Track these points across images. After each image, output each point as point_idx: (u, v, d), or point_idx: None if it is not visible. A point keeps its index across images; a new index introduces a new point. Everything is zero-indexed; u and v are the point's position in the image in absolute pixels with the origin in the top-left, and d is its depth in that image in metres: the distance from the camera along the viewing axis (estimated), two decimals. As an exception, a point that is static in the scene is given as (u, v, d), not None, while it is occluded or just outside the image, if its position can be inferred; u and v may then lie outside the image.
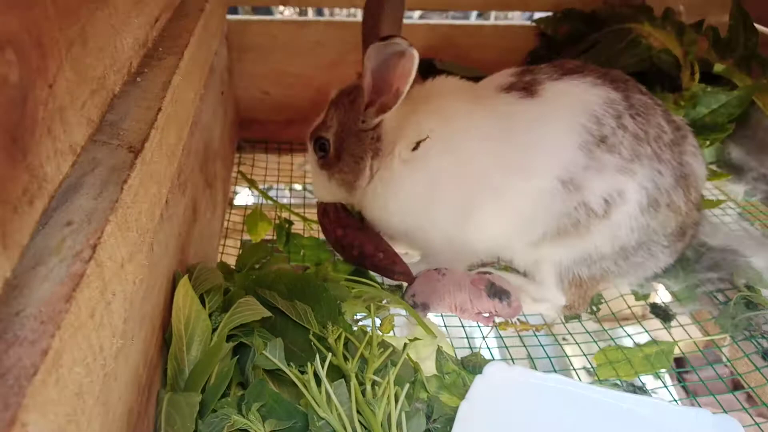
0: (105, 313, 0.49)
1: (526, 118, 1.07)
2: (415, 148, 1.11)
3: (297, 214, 1.46)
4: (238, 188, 1.67)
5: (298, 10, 3.08)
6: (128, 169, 0.58)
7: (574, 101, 1.06)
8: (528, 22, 1.72)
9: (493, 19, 2.88)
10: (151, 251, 0.69)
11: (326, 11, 2.81)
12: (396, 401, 0.81)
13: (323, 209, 1.28)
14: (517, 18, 2.59)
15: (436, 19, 1.96)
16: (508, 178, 1.08)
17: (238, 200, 1.71)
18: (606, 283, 1.17)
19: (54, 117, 0.47)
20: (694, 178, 1.10)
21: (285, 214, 1.45)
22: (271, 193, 1.59)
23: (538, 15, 1.71)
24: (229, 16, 1.57)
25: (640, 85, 1.13)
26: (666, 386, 1.11)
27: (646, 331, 1.19)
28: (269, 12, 2.91)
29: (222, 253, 1.32)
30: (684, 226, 1.12)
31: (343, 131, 1.15)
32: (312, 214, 1.48)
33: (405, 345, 0.95)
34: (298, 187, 1.73)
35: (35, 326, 0.39)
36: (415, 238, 1.23)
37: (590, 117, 1.04)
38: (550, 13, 1.67)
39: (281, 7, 3.01)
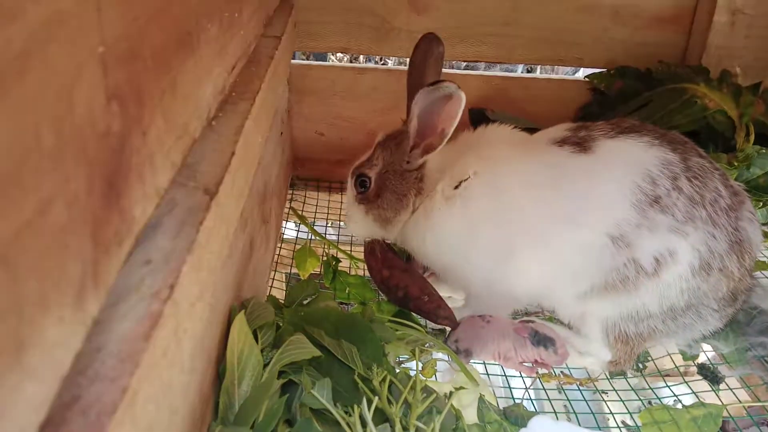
0: (176, 351, 0.51)
1: (577, 172, 1.09)
2: (456, 187, 1.14)
3: (344, 252, 1.49)
4: (288, 224, 1.72)
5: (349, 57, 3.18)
6: (204, 211, 0.61)
7: (630, 159, 1.07)
8: (579, 78, 1.74)
9: (539, 72, 2.91)
10: (217, 289, 0.72)
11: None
12: (439, 450, 0.81)
13: (370, 248, 1.31)
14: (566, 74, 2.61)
15: (488, 71, 2.00)
16: (552, 228, 1.09)
17: (288, 234, 1.75)
18: (653, 341, 1.15)
19: (144, 162, 0.50)
20: (749, 244, 1.08)
21: (332, 251, 1.48)
22: (320, 231, 1.63)
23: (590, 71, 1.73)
24: (293, 61, 1.64)
25: (699, 148, 1.13)
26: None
27: (693, 392, 1.16)
28: (323, 58, 3.01)
29: (271, 287, 1.36)
30: (736, 291, 1.11)
31: (387, 171, 1.21)
32: (358, 252, 1.51)
33: (451, 393, 0.95)
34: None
35: (115, 364, 0.42)
36: (455, 277, 1.26)
37: (645, 176, 1.05)
38: (603, 70, 1.69)
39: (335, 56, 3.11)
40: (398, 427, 0.83)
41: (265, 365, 0.86)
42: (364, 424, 0.82)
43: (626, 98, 1.64)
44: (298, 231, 1.60)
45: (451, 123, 1.09)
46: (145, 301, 0.48)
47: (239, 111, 0.85)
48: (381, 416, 0.88)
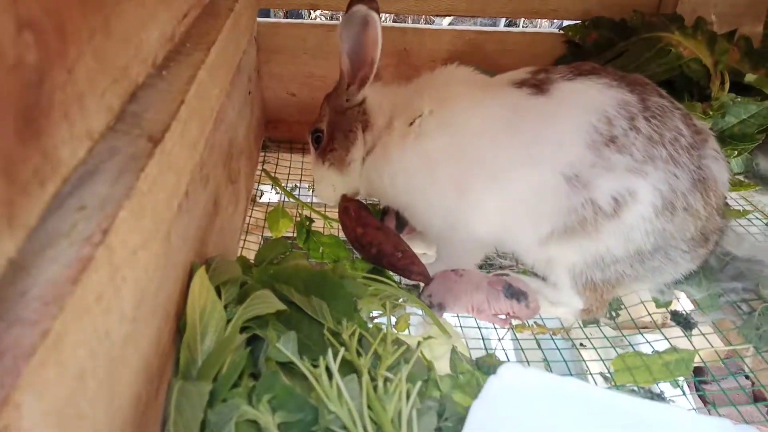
0: (114, 299, 0.50)
1: (533, 112, 1.08)
2: (411, 123, 1.14)
3: (318, 212, 1.47)
4: (264, 187, 1.69)
5: (329, 14, 3.11)
6: (146, 158, 0.59)
7: (585, 100, 1.06)
8: (555, 30, 1.71)
9: (522, 27, 2.87)
10: (168, 241, 0.71)
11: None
12: (407, 398, 0.81)
13: (344, 208, 1.30)
14: (544, 27, 2.58)
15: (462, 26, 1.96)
16: (507, 165, 1.09)
17: (264, 199, 1.73)
18: (623, 287, 1.15)
19: (72, 102, 0.48)
20: (713, 183, 1.07)
21: (306, 212, 1.46)
22: (294, 192, 1.60)
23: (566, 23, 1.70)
24: (260, 19, 1.59)
25: (660, 89, 1.12)
26: (685, 394, 1.09)
27: (666, 339, 1.17)
28: (300, 16, 2.95)
29: (242, 248, 1.34)
30: (705, 231, 1.10)
31: (333, 116, 1.23)
32: (332, 212, 1.49)
33: (419, 343, 0.95)
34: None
35: (38, 307, 0.40)
36: (417, 217, 1.26)
37: (600, 117, 1.04)
38: (578, 22, 1.66)
39: (312, 13, 3.05)
40: (365, 377, 0.82)
41: (229, 321, 0.84)
42: (330, 376, 0.81)
43: (601, 49, 1.62)
44: (280, 195, 1.58)
45: (375, 48, 1.10)
46: (75, 246, 0.46)
47: (192, 62, 0.82)
48: (351, 369, 0.88)
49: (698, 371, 1.19)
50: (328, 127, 1.24)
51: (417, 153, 1.14)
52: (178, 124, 0.68)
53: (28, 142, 0.41)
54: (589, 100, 1.05)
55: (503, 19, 2.97)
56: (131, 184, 0.54)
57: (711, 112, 1.43)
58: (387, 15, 2.13)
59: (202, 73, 0.81)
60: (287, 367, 0.85)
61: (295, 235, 1.39)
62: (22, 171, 0.41)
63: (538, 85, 1.10)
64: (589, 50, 1.62)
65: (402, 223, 1.39)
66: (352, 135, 1.21)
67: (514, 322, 1.17)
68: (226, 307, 0.86)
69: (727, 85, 1.48)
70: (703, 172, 1.05)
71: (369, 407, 0.79)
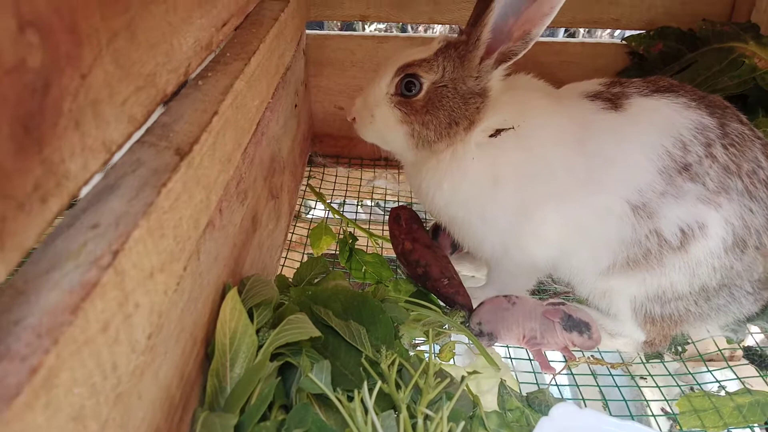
0: (122, 327, 0.45)
1: (605, 130, 0.99)
2: (493, 135, 1.04)
3: (362, 229, 1.42)
4: (312, 203, 1.66)
5: (384, 26, 3.08)
6: (171, 172, 0.54)
7: (661, 121, 0.97)
8: (617, 41, 1.62)
9: (581, 37, 2.77)
10: (197, 261, 0.66)
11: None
12: (449, 439, 0.74)
13: (395, 215, 1.25)
14: (605, 38, 2.47)
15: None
16: (572, 189, 1.01)
17: (314, 214, 1.69)
18: (686, 324, 1.05)
19: (85, 110, 0.44)
20: None
21: (350, 229, 1.41)
22: (339, 209, 1.56)
23: (629, 33, 1.60)
24: (309, 31, 1.56)
25: (741, 114, 1.02)
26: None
27: (738, 378, 1.06)
28: (352, 29, 2.93)
29: (283, 266, 1.29)
30: None
31: (448, 86, 1.03)
32: (377, 230, 1.44)
33: (463, 378, 0.87)
34: (366, 203, 1.70)
35: (30, 339, 0.35)
36: (464, 234, 1.15)
37: (676, 141, 0.95)
38: (642, 32, 1.56)
39: (367, 27, 3.02)
40: (404, 414, 0.76)
41: (261, 347, 0.79)
42: (366, 411, 0.75)
43: (667, 61, 1.51)
44: (326, 212, 1.53)
45: (541, 22, 0.94)
46: (81, 269, 0.42)
47: (230, 71, 0.79)
48: (388, 402, 0.81)
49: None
50: (432, 90, 1.03)
51: (489, 167, 1.04)
52: (209, 136, 0.63)
53: (26, 153, 0.37)
54: (665, 121, 0.97)
55: (562, 31, 2.87)
56: (150, 200, 0.50)
57: (788, 129, 1.32)
58: (435, 25, 2.07)
59: (239, 83, 0.77)
60: (321, 398, 0.79)
61: (337, 252, 1.34)
62: (18, 185, 0.36)
63: (612, 99, 1.02)
64: (654, 62, 1.52)
65: (456, 244, 1.31)
66: (454, 128, 1.04)
67: (576, 353, 1.08)
68: (258, 331, 0.81)
69: (807, 99, 1.36)
70: None
71: (407, 448, 0.72)
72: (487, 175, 1.05)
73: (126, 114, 0.51)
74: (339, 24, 2.95)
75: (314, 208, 1.68)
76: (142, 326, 0.48)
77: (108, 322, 0.42)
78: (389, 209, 1.33)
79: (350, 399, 0.77)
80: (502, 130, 1.04)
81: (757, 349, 1.12)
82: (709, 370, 1.13)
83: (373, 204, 1.76)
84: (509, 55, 1.00)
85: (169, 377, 0.60)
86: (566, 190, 1.01)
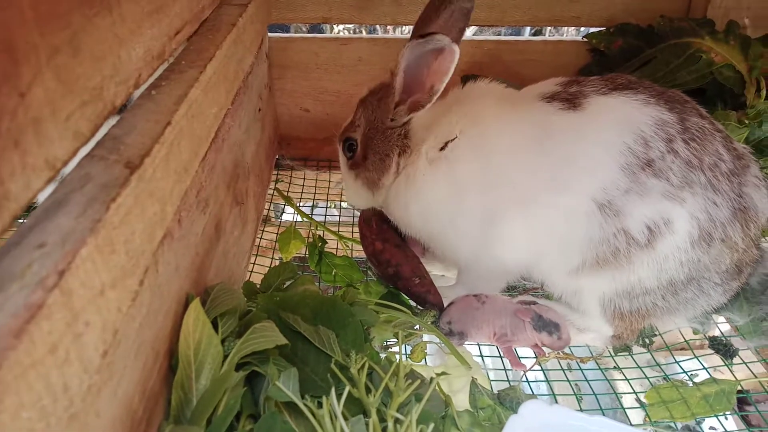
0: (72, 348, 0.44)
1: (564, 131, 0.99)
2: (442, 148, 1.07)
3: (332, 232, 1.42)
4: (282, 207, 1.65)
5: (352, 28, 3.07)
6: (119, 187, 0.53)
7: (621, 119, 0.98)
8: (580, 38, 1.64)
9: (548, 35, 2.79)
10: (155, 273, 0.65)
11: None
12: (419, 441, 0.74)
13: (366, 217, 1.25)
14: (571, 35, 2.50)
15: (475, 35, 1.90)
16: (536, 192, 1.01)
17: (284, 218, 1.68)
18: (654, 318, 1.07)
19: (25, 129, 0.43)
20: (754, 212, 0.99)
21: (319, 232, 1.40)
22: (308, 212, 1.55)
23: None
24: (271, 34, 1.55)
25: (700, 108, 1.04)
26: (725, 430, 1.00)
27: (705, 368, 1.08)
28: (320, 31, 2.92)
29: (252, 271, 1.29)
30: (740, 263, 1.02)
31: (371, 130, 1.14)
32: (347, 232, 1.44)
33: (431, 379, 0.88)
34: (335, 204, 1.69)
35: (-29, 366, 0.35)
36: (441, 246, 1.18)
37: (637, 138, 0.96)
38: (602, 29, 1.58)
39: (335, 27, 3.01)
40: (374, 418, 0.76)
41: (227, 356, 0.78)
42: (336, 416, 0.74)
43: (628, 57, 1.54)
44: (294, 215, 1.52)
45: (441, 79, 1.00)
46: (25, 291, 0.41)
47: (185, 79, 0.78)
48: (359, 406, 0.81)
49: (741, 399, 1.09)
50: (363, 141, 1.16)
51: (447, 181, 1.07)
52: (161, 148, 0.63)
53: (-41, 176, 0.36)
54: (625, 118, 0.98)
55: (528, 30, 2.89)
56: (99, 216, 0.49)
57: (747, 121, 1.35)
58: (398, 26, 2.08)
59: (195, 92, 0.76)
60: (291, 406, 0.79)
61: (307, 256, 1.33)
62: (-49, 209, 0.35)
63: (570, 99, 1.02)
64: (614, 58, 1.55)
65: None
66: (388, 160, 1.13)
67: (547, 352, 1.09)
68: (224, 341, 0.80)
69: (764, 92, 1.39)
70: (744, 201, 0.97)
71: (376, 452, 0.73)
72: (449, 188, 1.07)
73: (71, 130, 0.50)
74: (306, 27, 2.94)
75: (283, 212, 1.67)
76: (94, 344, 0.48)
77: (56, 343, 0.42)
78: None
79: (320, 405, 0.77)
80: (449, 141, 1.06)
81: (722, 338, 1.15)
82: (676, 361, 1.15)
83: (344, 205, 1.75)
84: (419, 106, 1.06)
85: (130, 393, 0.59)
86: (530, 194, 1.02)
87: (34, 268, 0.43)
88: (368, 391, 0.83)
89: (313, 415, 0.75)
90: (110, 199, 0.51)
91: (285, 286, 1.10)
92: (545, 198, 1.01)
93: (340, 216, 1.59)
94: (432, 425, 0.76)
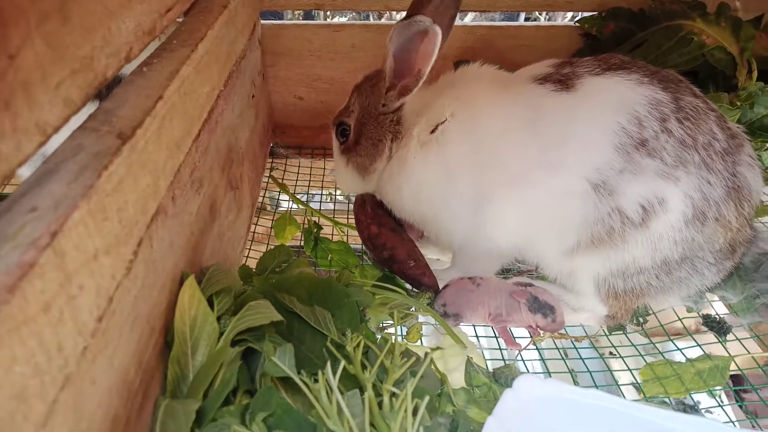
0: (66, 308, 0.44)
1: (557, 112, 1.00)
2: (433, 131, 1.08)
3: (327, 218, 1.42)
4: (278, 198, 1.65)
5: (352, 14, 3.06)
6: (112, 156, 0.54)
7: (614, 99, 0.98)
8: (572, 23, 1.64)
9: (543, 21, 2.79)
10: (149, 247, 0.65)
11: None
12: (414, 414, 0.74)
13: (361, 201, 1.26)
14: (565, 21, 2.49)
15: (474, 20, 1.90)
16: (529, 173, 1.01)
17: (279, 205, 1.69)
18: (648, 297, 1.07)
19: (15, 91, 0.43)
20: (748, 192, 0.99)
21: (314, 218, 1.40)
22: (303, 199, 1.55)
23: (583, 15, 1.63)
24: (264, 21, 1.55)
25: (694, 87, 1.04)
26: (721, 405, 1.00)
27: (699, 345, 1.08)
28: (312, 18, 2.91)
29: (248, 257, 1.29)
30: (734, 243, 1.02)
31: (364, 116, 1.16)
32: (342, 218, 1.44)
33: (426, 354, 0.88)
34: (332, 192, 1.70)
35: (-35, 318, 0.35)
36: (435, 229, 1.18)
37: (630, 117, 0.96)
38: (594, 13, 1.58)
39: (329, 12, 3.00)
40: (369, 393, 0.76)
41: (222, 334, 0.79)
42: (331, 391, 0.75)
43: (620, 41, 1.54)
44: (290, 203, 1.53)
45: (426, 62, 1.02)
46: (18, 250, 0.41)
47: (177, 57, 0.78)
48: (354, 383, 0.81)
49: (736, 380, 1.10)
50: (355, 126, 1.18)
51: (438, 163, 1.07)
52: (153, 121, 0.63)
53: (-50, 132, 0.36)
54: (619, 98, 0.98)
55: (522, 16, 2.89)
56: (91, 182, 0.49)
57: (738, 103, 1.35)
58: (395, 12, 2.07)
59: (186, 69, 0.76)
60: (287, 382, 0.79)
61: (302, 243, 1.33)
62: (-58, 164, 0.36)
63: (563, 81, 1.02)
64: (607, 42, 1.55)
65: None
66: (381, 146, 1.15)
67: (542, 334, 1.10)
68: (219, 318, 0.80)
69: (755, 74, 1.40)
70: (737, 180, 0.98)
71: (372, 425, 0.73)
72: (439, 170, 1.07)
73: (61, 97, 0.50)
74: (301, 14, 2.93)
75: (278, 199, 1.67)
76: (88, 308, 0.48)
77: (49, 302, 0.42)
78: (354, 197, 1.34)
79: (316, 382, 0.77)
80: (440, 123, 1.07)
81: (716, 316, 1.15)
82: (671, 339, 1.15)
83: (339, 194, 1.75)
84: (408, 90, 1.08)
85: (126, 363, 0.60)
86: (522, 175, 1.02)
87: (27, 229, 0.43)
88: (364, 368, 0.83)
89: (309, 389, 0.75)
90: (102, 167, 0.51)
91: (280, 268, 1.11)
92: (538, 179, 1.01)
93: (334, 206, 1.59)
94: (426, 398, 0.76)
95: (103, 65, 0.59)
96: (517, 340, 1.10)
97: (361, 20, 2.22)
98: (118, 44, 0.62)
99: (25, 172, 0.49)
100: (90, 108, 0.59)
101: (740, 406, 1.09)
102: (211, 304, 0.81)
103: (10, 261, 0.40)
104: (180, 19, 0.93)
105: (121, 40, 0.63)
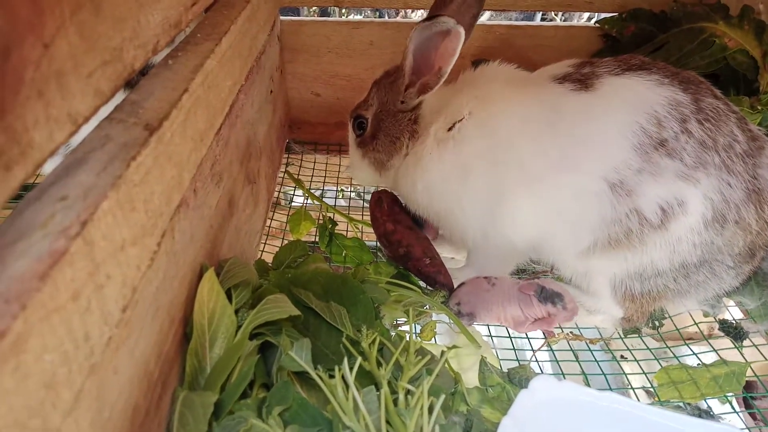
0: (94, 297, 0.44)
1: (575, 111, 0.99)
2: (450, 129, 1.08)
3: (342, 214, 1.42)
4: (292, 192, 1.65)
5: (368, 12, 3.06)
6: (140, 147, 0.54)
7: (634, 99, 0.97)
8: (591, 24, 1.63)
9: (560, 21, 2.78)
10: (171, 239, 0.66)
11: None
12: (430, 412, 0.74)
13: (377, 198, 1.27)
14: (582, 22, 2.48)
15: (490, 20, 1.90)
16: (546, 170, 1.01)
17: (294, 204, 1.69)
18: (665, 300, 1.06)
19: (48, 80, 0.43)
20: None
21: (330, 214, 1.41)
22: (319, 195, 1.56)
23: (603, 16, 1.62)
24: (283, 17, 1.55)
25: (714, 89, 1.03)
26: (736, 412, 0.99)
27: (714, 351, 1.07)
28: (328, 15, 2.92)
29: (263, 251, 1.29)
30: (753, 246, 1.01)
31: (382, 111, 1.16)
32: (357, 214, 1.44)
33: (442, 353, 0.88)
34: (345, 188, 1.70)
35: (-2, 305, 0.35)
36: (450, 226, 1.19)
37: (650, 117, 0.95)
38: (615, 14, 1.58)
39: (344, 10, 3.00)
40: (385, 389, 0.76)
41: (240, 327, 0.79)
42: (347, 388, 0.75)
43: (640, 43, 1.53)
44: (305, 198, 1.53)
45: (448, 61, 1.02)
46: (49, 238, 0.41)
47: (201, 51, 0.78)
48: (369, 379, 0.81)
49: (749, 386, 1.09)
50: (373, 121, 1.18)
51: (454, 160, 1.07)
52: (179, 113, 0.63)
53: (-13, 119, 0.36)
54: (638, 98, 0.97)
55: (539, 15, 2.88)
56: (119, 173, 0.49)
57: (759, 107, 1.33)
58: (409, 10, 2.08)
59: (210, 63, 0.76)
60: (303, 377, 0.79)
61: (317, 238, 1.34)
62: (-22, 150, 0.36)
63: (582, 80, 1.02)
64: (627, 44, 1.54)
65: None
66: (398, 143, 1.16)
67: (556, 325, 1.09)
68: (237, 311, 0.81)
69: (777, 78, 1.38)
70: (758, 183, 0.97)
71: (388, 422, 0.73)
72: (455, 167, 1.08)
73: (92, 87, 0.50)
74: (317, 11, 2.94)
75: (293, 194, 1.67)
76: (114, 298, 0.48)
77: (78, 291, 0.42)
78: (370, 193, 1.34)
79: (332, 378, 0.78)
80: (457, 121, 1.08)
81: (732, 321, 1.14)
82: (686, 343, 1.14)
83: (351, 191, 1.76)
84: (427, 88, 1.08)
85: (147, 354, 0.60)
86: (538, 174, 1.02)
87: (57, 218, 0.43)
88: (379, 365, 0.83)
89: (325, 384, 0.75)
90: (130, 158, 0.52)
91: (296, 263, 1.11)
92: (554, 177, 1.01)
93: (349, 203, 1.59)
94: (442, 396, 0.76)
95: (132, 57, 0.59)
96: (531, 341, 1.10)
97: (377, 18, 2.22)
98: (147, 36, 0.63)
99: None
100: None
101: (751, 413, 1.08)
102: (229, 297, 0.81)
103: (41, 249, 0.40)
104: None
105: (150, 33, 0.64)
